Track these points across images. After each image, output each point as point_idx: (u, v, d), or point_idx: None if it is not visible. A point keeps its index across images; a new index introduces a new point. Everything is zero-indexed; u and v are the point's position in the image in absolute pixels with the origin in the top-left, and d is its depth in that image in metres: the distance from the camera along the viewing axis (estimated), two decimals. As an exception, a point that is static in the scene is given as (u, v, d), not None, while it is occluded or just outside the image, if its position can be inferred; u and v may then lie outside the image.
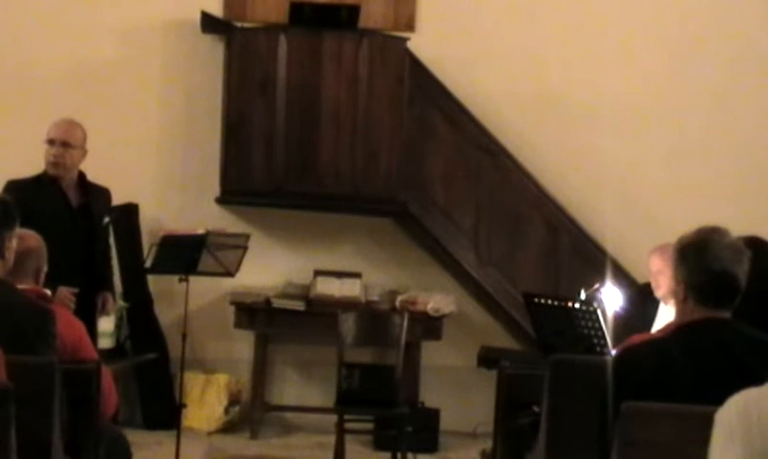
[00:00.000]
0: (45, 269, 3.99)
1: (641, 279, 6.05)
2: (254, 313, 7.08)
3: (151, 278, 7.01)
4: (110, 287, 5.48)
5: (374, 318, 6.53)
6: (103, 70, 7.35)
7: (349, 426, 6.08)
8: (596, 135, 7.47)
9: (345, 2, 7.14)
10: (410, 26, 7.42)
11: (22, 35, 7.32)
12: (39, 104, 6.84)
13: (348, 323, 6.19)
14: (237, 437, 7.07)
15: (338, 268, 7.24)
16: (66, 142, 5.28)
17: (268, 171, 6.99)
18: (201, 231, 5.68)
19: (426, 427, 6.75)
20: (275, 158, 6.97)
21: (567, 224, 7.30)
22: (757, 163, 7.48)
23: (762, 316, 3.05)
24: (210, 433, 7.06)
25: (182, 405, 5.87)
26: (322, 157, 6.99)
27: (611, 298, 5.51)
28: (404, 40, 7.12)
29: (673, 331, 3.02)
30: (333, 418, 6.15)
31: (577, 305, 5.04)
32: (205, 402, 7.14)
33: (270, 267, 7.22)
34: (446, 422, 7.03)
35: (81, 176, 5.40)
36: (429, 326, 7.07)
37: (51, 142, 5.28)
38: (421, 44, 7.24)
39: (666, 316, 5.24)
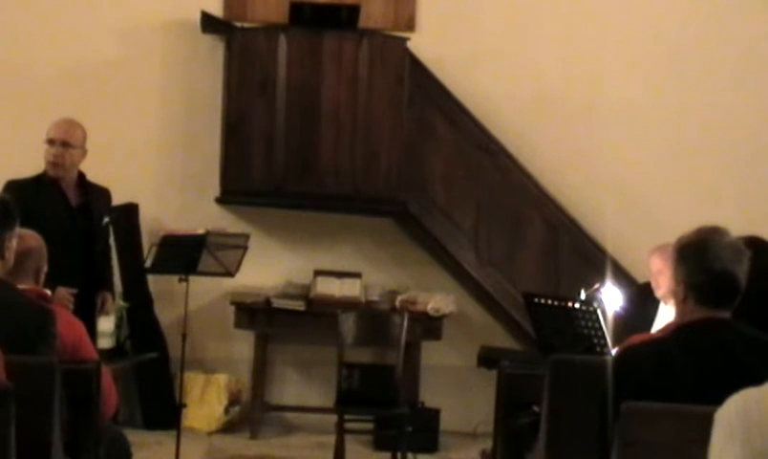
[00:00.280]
0: (45, 269, 3.99)
1: (641, 279, 6.05)
2: (254, 313, 7.08)
3: (151, 278, 7.01)
4: (109, 286, 5.48)
5: (374, 318, 6.53)
6: (103, 70, 7.35)
7: (349, 426, 6.08)
8: (596, 135, 7.47)
9: (345, 2, 7.14)
10: (410, 26, 7.42)
11: (22, 35, 7.32)
12: (39, 104, 6.84)
13: (348, 323, 6.19)
14: (237, 437, 7.07)
15: (338, 268, 7.25)
16: (66, 141, 5.28)
17: (268, 171, 6.99)
18: (201, 231, 5.68)
19: (426, 427, 6.75)
20: (275, 158, 6.97)
21: (567, 224, 7.30)
22: (757, 162, 7.47)
23: (762, 316, 3.05)
24: (210, 433, 7.07)
25: (182, 405, 5.87)
26: (322, 157, 6.99)
27: (611, 298, 5.51)
28: (404, 40, 7.12)
29: (673, 331, 3.02)
30: (333, 418, 6.15)
31: (577, 305, 5.04)
32: (205, 402, 7.14)
33: (270, 267, 7.22)
34: (446, 422, 7.03)
35: (81, 176, 5.40)
36: (429, 326, 7.07)
37: (51, 141, 5.28)
38: (421, 44, 7.24)
39: (666, 316, 5.24)
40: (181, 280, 5.65)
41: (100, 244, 5.44)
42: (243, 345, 7.35)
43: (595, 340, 4.94)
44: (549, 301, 5.22)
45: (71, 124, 5.37)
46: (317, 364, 7.34)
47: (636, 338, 3.56)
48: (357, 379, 6.02)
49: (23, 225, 3.77)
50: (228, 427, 7.17)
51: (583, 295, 5.35)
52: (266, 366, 7.27)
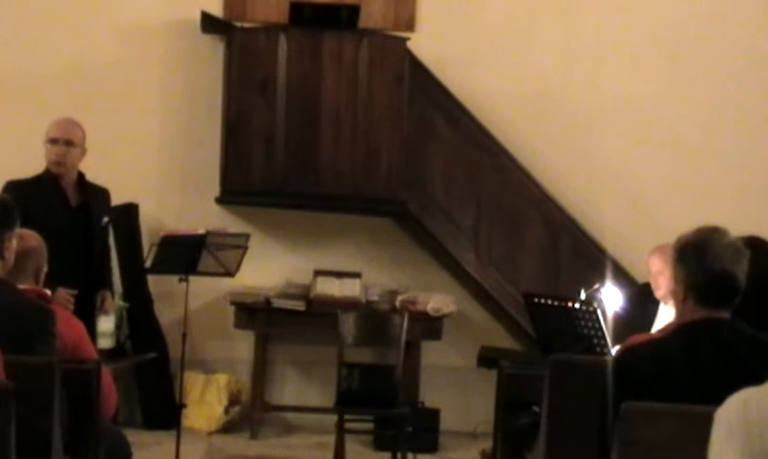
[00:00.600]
0: (45, 269, 3.99)
1: (641, 279, 6.05)
2: (254, 313, 7.08)
3: (151, 278, 7.01)
4: (109, 286, 5.48)
5: (374, 318, 6.53)
6: (103, 70, 7.35)
7: (349, 426, 6.08)
8: (596, 135, 7.47)
9: (345, 2, 7.14)
10: (410, 26, 7.42)
11: (22, 35, 7.32)
12: (39, 104, 6.84)
13: (348, 323, 6.19)
14: (237, 437, 7.07)
15: (338, 268, 7.24)
16: (69, 140, 5.30)
17: (268, 171, 6.99)
18: (201, 231, 5.68)
19: (426, 427, 6.75)
20: (275, 158, 6.97)
21: (567, 224, 7.30)
22: (757, 163, 7.48)
23: (762, 317, 3.05)
24: (210, 433, 7.07)
25: (182, 405, 5.87)
26: (322, 157, 6.99)
27: (611, 298, 5.51)
28: (404, 40, 7.12)
29: (673, 331, 3.02)
30: (333, 418, 6.15)
31: (577, 305, 5.04)
32: (205, 402, 7.14)
33: (270, 267, 7.22)
34: (446, 422, 7.03)
35: (80, 176, 5.40)
36: (429, 326, 7.07)
37: (53, 140, 5.28)
38: (421, 44, 7.24)
39: (666, 316, 5.24)
40: (181, 280, 5.65)
41: (99, 244, 5.44)
42: (243, 345, 7.34)
43: (595, 340, 4.94)
44: (549, 301, 5.22)
45: (72, 123, 5.38)
46: (317, 364, 7.34)
47: (636, 339, 3.56)
48: (357, 379, 6.02)
49: (23, 225, 3.78)
50: (228, 427, 7.17)
51: (583, 295, 5.35)
52: (266, 366, 7.27)
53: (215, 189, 7.13)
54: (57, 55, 7.33)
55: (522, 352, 6.68)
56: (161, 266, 5.68)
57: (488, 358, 5.85)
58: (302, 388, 7.49)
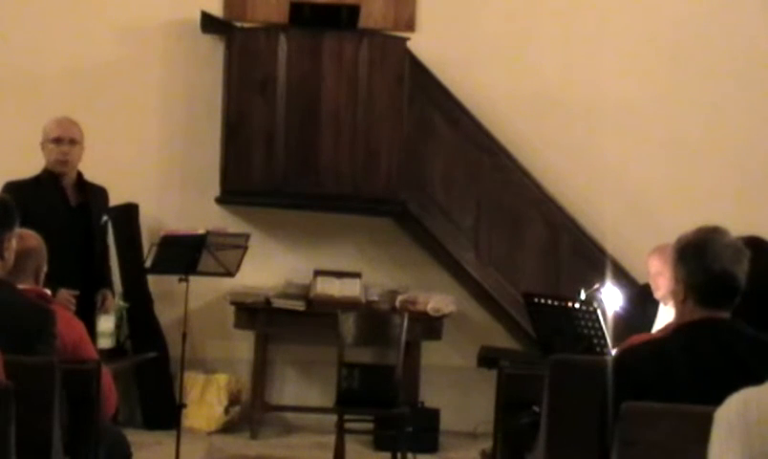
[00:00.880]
0: (45, 269, 3.99)
1: (641, 279, 6.05)
2: (254, 313, 7.08)
3: (151, 278, 7.00)
4: (109, 285, 5.48)
5: (374, 318, 6.53)
6: (103, 70, 7.35)
7: (349, 426, 6.08)
8: (596, 135, 7.47)
9: (345, 2, 7.14)
10: (410, 26, 7.42)
11: (22, 35, 7.33)
12: (39, 104, 6.84)
13: (348, 323, 6.19)
14: (237, 437, 7.07)
15: (338, 268, 7.24)
16: (73, 139, 5.31)
17: (268, 171, 6.99)
18: (201, 231, 5.67)
19: (426, 427, 6.75)
20: (275, 158, 6.97)
21: (567, 224, 7.30)
22: (756, 162, 7.48)
23: (762, 317, 3.05)
24: (210, 433, 7.06)
25: (182, 405, 5.87)
26: (322, 157, 6.99)
27: (611, 298, 5.51)
28: (404, 40, 7.12)
29: (673, 331, 3.02)
30: (333, 418, 6.15)
31: (577, 305, 5.04)
32: (205, 402, 7.14)
33: (270, 267, 7.22)
34: (446, 422, 7.03)
35: (79, 175, 5.40)
36: (429, 326, 7.07)
37: (57, 140, 5.28)
38: (421, 44, 7.24)
39: (666, 316, 5.24)
40: (181, 280, 5.65)
41: (99, 243, 5.45)
42: (243, 345, 7.34)
43: (595, 340, 4.95)
44: (549, 301, 5.22)
45: (72, 122, 5.40)
46: (317, 364, 7.34)
47: (636, 339, 3.56)
48: (357, 379, 6.02)
49: (23, 225, 3.78)
50: (228, 427, 7.17)
51: (583, 295, 5.35)
52: (266, 366, 7.27)
53: (215, 189, 7.13)
54: (57, 56, 7.33)
55: (522, 352, 6.68)
56: (161, 266, 5.68)
57: (488, 358, 5.85)
58: (302, 388, 7.49)
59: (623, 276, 6.68)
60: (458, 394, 7.28)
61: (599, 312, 4.99)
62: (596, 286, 5.61)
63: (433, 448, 6.85)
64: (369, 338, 6.42)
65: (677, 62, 7.51)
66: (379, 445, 6.74)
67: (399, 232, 7.51)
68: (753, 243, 3.12)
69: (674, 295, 3.04)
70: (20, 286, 3.73)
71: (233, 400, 7.23)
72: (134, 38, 7.41)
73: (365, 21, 7.19)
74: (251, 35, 7.13)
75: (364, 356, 6.98)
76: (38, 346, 3.49)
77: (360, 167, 7.01)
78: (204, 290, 6.72)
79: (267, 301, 7.05)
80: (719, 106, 7.49)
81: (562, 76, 7.49)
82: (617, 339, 4.85)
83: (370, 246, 7.47)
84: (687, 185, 7.44)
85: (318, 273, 7.18)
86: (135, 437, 5.35)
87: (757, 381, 2.17)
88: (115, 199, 6.03)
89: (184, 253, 5.60)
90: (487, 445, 6.17)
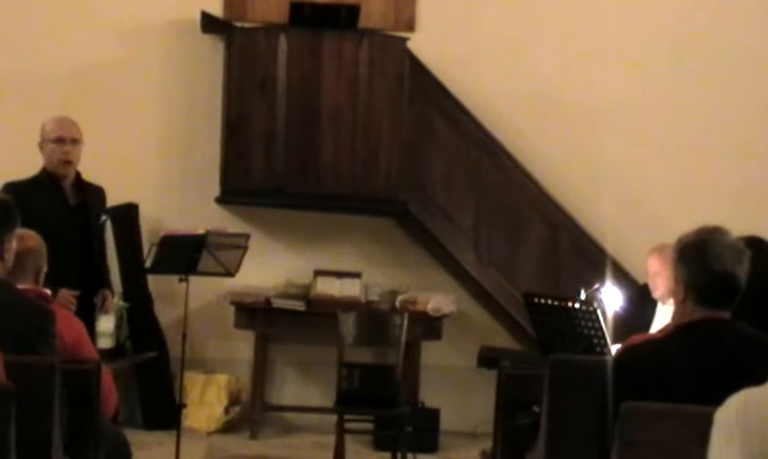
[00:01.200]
0: (45, 268, 4.00)
1: (641, 279, 6.05)
2: (254, 313, 7.08)
3: (151, 278, 7.00)
4: (108, 284, 5.48)
5: (374, 318, 6.53)
6: (103, 70, 7.35)
7: (349, 426, 6.08)
8: (596, 135, 7.47)
9: (345, 2, 7.14)
10: (410, 26, 7.42)
11: (22, 35, 7.33)
12: (39, 104, 6.84)
13: (348, 323, 6.19)
14: (237, 437, 7.07)
15: (338, 268, 7.24)
16: (75, 138, 5.32)
17: (268, 171, 6.99)
18: (201, 231, 5.67)
19: (426, 427, 6.75)
20: (275, 158, 6.97)
21: (567, 224, 7.30)
22: (756, 163, 7.47)
23: (762, 317, 3.05)
24: (210, 433, 7.06)
25: (182, 405, 5.87)
26: (322, 157, 6.99)
27: (611, 298, 5.51)
28: (404, 40, 7.12)
29: (673, 331, 3.02)
30: (333, 418, 6.15)
31: (577, 305, 5.04)
32: (205, 402, 7.14)
33: (270, 267, 7.22)
34: (446, 422, 7.03)
35: (78, 175, 5.40)
36: (429, 326, 7.06)
37: (60, 140, 5.28)
38: (421, 44, 7.24)
39: (664, 316, 5.25)
40: (181, 280, 5.65)
41: (98, 242, 5.45)
42: (243, 345, 7.34)
43: (595, 340, 4.95)
44: (549, 301, 5.22)
45: (72, 121, 5.40)
46: (317, 364, 7.34)
47: (636, 338, 3.56)
48: (357, 379, 6.02)
49: (23, 225, 3.77)
50: (228, 427, 7.17)
51: (583, 295, 5.35)
52: (266, 366, 7.26)
53: (215, 189, 7.13)
54: (57, 56, 7.32)
55: (522, 352, 6.67)
56: (161, 266, 5.68)
57: (488, 358, 5.85)
58: (302, 388, 7.49)
59: (623, 276, 6.68)
60: (458, 394, 7.28)
61: (599, 312, 4.99)
62: (596, 286, 5.61)
63: (433, 447, 6.85)
64: (369, 338, 6.42)
65: (677, 62, 7.51)
66: (379, 445, 6.74)
67: (399, 232, 7.51)
68: (753, 243, 3.12)
69: (675, 294, 3.05)
70: (20, 286, 3.74)
71: (233, 400, 7.23)
72: (134, 38, 7.41)
73: (365, 21, 7.19)
74: (251, 35, 7.13)
75: (364, 356, 6.98)
76: (38, 346, 3.50)
77: (360, 167, 7.00)
78: (204, 290, 6.72)
79: (267, 301, 7.04)
80: (719, 106, 7.49)
81: (562, 76, 7.49)
82: (617, 339, 4.85)
83: (370, 246, 7.47)
84: (687, 185, 7.44)
85: (318, 273, 7.18)
86: (135, 437, 5.35)
87: (757, 381, 2.17)
88: (115, 199, 6.04)
89: (184, 253, 5.60)
90: (487, 445, 6.17)
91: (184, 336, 5.80)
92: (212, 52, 7.33)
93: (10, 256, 3.62)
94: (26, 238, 3.86)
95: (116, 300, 5.47)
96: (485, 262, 7.25)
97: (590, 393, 3.07)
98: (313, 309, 6.98)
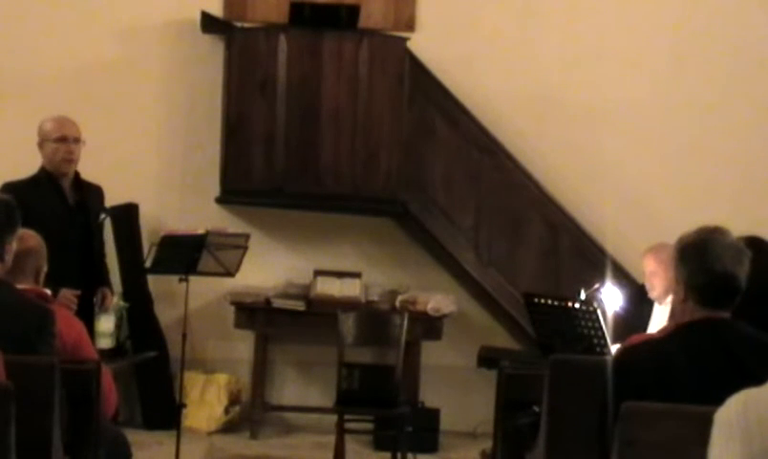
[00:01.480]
0: (45, 268, 4.00)
1: (641, 279, 6.03)
2: (254, 313, 7.08)
3: (151, 278, 7.01)
4: (108, 283, 5.48)
5: (374, 318, 6.53)
6: (103, 70, 7.35)
7: (349, 426, 6.08)
8: (596, 135, 7.47)
9: (345, 2, 7.14)
10: (410, 26, 7.42)
11: (22, 35, 7.33)
12: (39, 104, 6.82)
13: (348, 323, 6.19)
14: (237, 437, 7.07)
15: (338, 268, 7.24)
16: (77, 137, 5.33)
17: (268, 171, 6.99)
18: (201, 231, 5.68)
19: (426, 427, 6.75)
20: (275, 158, 6.97)
21: (567, 224, 7.30)
22: (756, 163, 7.47)
23: (762, 317, 3.05)
24: (210, 433, 7.06)
25: (182, 405, 5.87)
26: (322, 157, 6.99)
27: (611, 298, 5.52)
28: (404, 40, 7.12)
29: (673, 331, 3.02)
30: (333, 418, 6.15)
31: (577, 305, 5.04)
32: (205, 402, 7.14)
33: (270, 267, 7.22)
34: (446, 422, 7.03)
35: (76, 174, 5.40)
36: (429, 326, 7.06)
37: (62, 139, 5.28)
38: (421, 44, 7.24)
39: (660, 316, 5.26)
40: (181, 280, 5.65)
41: (98, 242, 5.45)
42: (243, 345, 7.34)
43: (595, 340, 4.95)
44: (549, 301, 5.22)
45: (72, 121, 5.41)
46: (317, 364, 7.34)
47: (636, 338, 3.56)
48: (357, 379, 6.02)
49: (22, 225, 3.77)
50: (228, 427, 7.17)
51: (583, 295, 5.35)
52: (266, 366, 7.26)
53: (215, 189, 7.13)
54: (57, 56, 7.32)
55: (522, 352, 6.67)
56: (161, 266, 5.68)
57: (488, 358, 5.85)
58: (302, 388, 7.49)
59: (623, 276, 6.67)
60: (458, 394, 7.28)
61: (599, 312, 5.00)
62: (596, 286, 5.61)
63: (433, 447, 6.85)
64: (369, 338, 6.42)
65: (678, 63, 7.51)
66: (379, 445, 6.74)
67: (399, 232, 7.51)
68: (753, 243, 3.12)
69: (675, 294, 3.05)
70: (20, 286, 3.74)
71: (233, 400, 7.23)
72: (134, 38, 7.41)
73: (365, 21, 7.19)
74: (251, 35, 7.13)
75: (364, 356, 6.98)
76: (38, 346, 3.50)
77: (360, 167, 7.00)
78: (204, 290, 6.72)
79: (267, 301, 7.04)
80: (720, 106, 7.49)
81: (562, 76, 7.48)
82: (617, 339, 4.85)
83: (370, 246, 7.47)
84: (687, 185, 7.43)
85: (318, 273, 7.18)
86: (135, 437, 5.35)
87: (757, 381, 2.17)
88: (115, 199, 6.04)
89: (184, 253, 5.60)
90: (487, 445, 6.17)
91: (184, 336, 5.80)
92: (212, 52, 7.33)
93: (10, 257, 3.62)
94: (26, 238, 3.85)
95: (115, 300, 5.47)
96: (485, 262, 7.25)
97: (590, 393, 3.07)
98: (313, 309, 6.98)
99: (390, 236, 7.50)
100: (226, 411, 7.17)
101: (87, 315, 4.87)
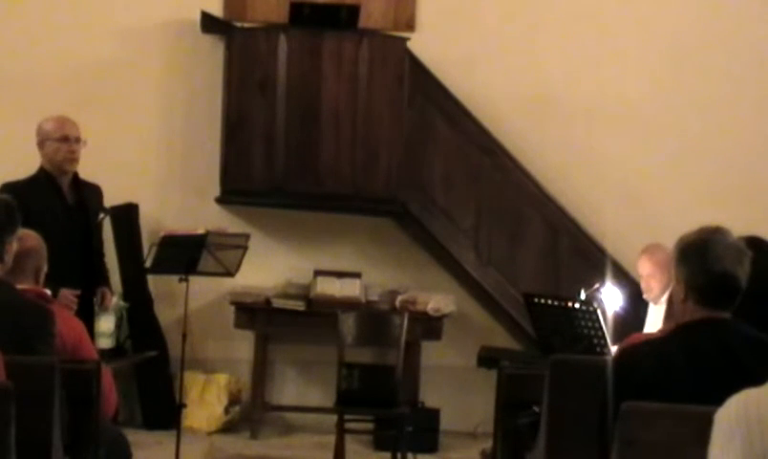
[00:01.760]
0: (45, 268, 3.99)
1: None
2: (254, 313, 7.08)
3: (151, 278, 7.01)
4: (107, 283, 5.48)
5: (374, 318, 6.53)
6: (103, 70, 7.35)
7: (349, 426, 6.08)
8: (596, 135, 7.47)
9: (345, 2, 7.14)
10: (410, 26, 7.42)
11: (22, 35, 7.32)
12: (39, 104, 6.82)
13: (348, 323, 6.19)
14: (237, 437, 7.07)
15: (338, 268, 7.24)
16: (78, 137, 5.33)
17: (268, 171, 6.99)
18: (201, 231, 5.68)
19: (426, 427, 6.75)
20: (275, 158, 6.98)
21: (567, 224, 7.30)
22: (757, 163, 7.47)
23: (762, 316, 3.05)
24: (210, 433, 7.06)
25: (182, 405, 5.87)
26: (322, 157, 6.99)
27: (611, 298, 5.52)
28: (404, 40, 7.12)
29: (673, 331, 3.02)
30: (333, 418, 6.15)
31: (577, 305, 5.05)
32: (205, 402, 7.14)
33: (270, 267, 7.22)
34: (446, 422, 7.03)
35: (75, 174, 5.40)
36: (429, 326, 7.06)
37: (65, 139, 5.28)
38: (421, 44, 7.24)
39: (655, 316, 5.27)
40: (181, 280, 5.65)
41: (97, 241, 5.45)
42: (243, 345, 7.34)
43: (595, 340, 4.95)
44: (549, 301, 5.22)
45: (72, 120, 5.40)
46: (317, 364, 7.34)
47: (634, 338, 3.56)
48: (357, 379, 6.02)
49: (22, 225, 3.77)
50: (228, 427, 7.17)
51: (583, 295, 5.36)
52: (266, 366, 7.26)
53: (215, 189, 7.13)
54: (57, 55, 7.32)
55: (522, 352, 6.68)
56: (161, 266, 5.68)
57: (488, 358, 5.85)
58: (302, 388, 7.49)
59: (623, 276, 6.67)
60: (458, 394, 7.28)
61: (599, 312, 5.00)
62: (596, 286, 5.62)
63: (433, 448, 6.85)
64: (369, 338, 6.42)
65: (678, 62, 7.51)
66: (379, 445, 6.74)
67: (399, 232, 7.51)
68: (753, 243, 3.12)
69: (675, 294, 3.05)
70: (20, 286, 3.73)
71: (233, 400, 7.23)
72: (134, 38, 7.41)
73: (365, 21, 7.19)
74: (251, 35, 7.13)
75: (364, 356, 6.98)
76: (38, 346, 3.50)
77: (360, 167, 7.00)
78: (204, 290, 6.72)
79: (267, 301, 7.04)
80: (720, 107, 7.49)
81: (562, 76, 7.49)
82: (617, 339, 4.85)
83: (370, 246, 7.47)
84: (687, 185, 7.44)
85: (318, 273, 7.18)
86: (135, 437, 5.35)
87: (756, 381, 2.17)
88: (115, 199, 6.04)
89: (184, 253, 5.60)
90: (487, 445, 6.17)
91: (184, 336, 5.80)
92: (212, 52, 7.33)
93: (9, 257, 3.62)
94: (26, 238, 3.85)
95: (115, 300, 5.46)
96: (485, 262, 7.25)
97: (590, 393, 3.07)
98: (313, 309, 6.98)
99: (390, 236, 7.50)
100: (226, 411, 7.17)
101: (87, 315, 4.87)
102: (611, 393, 2.89)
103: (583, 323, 4.98)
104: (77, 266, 5.17)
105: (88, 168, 5.46)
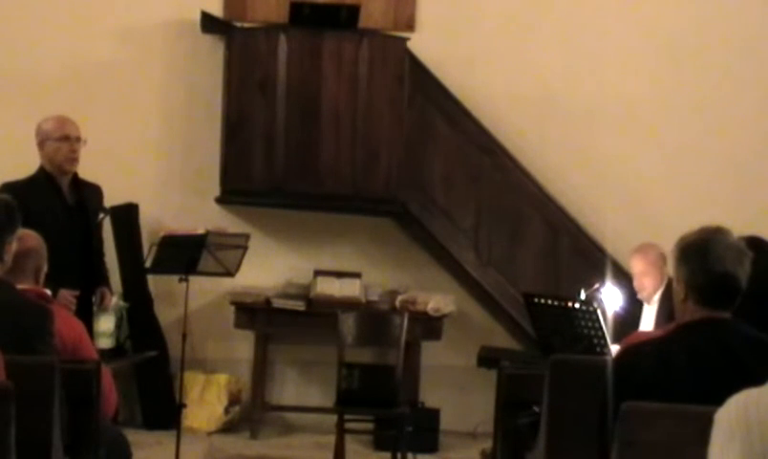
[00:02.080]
0: (45, 268, 3.99)
1: (641, 279, 6.05)
2: (254, 313, 7.08)
3: (151, 278, 7.01)
4: (107, 282, 5.47)
5: (374, 318, 6.53)
6: (103, 70, 7.35)
7: (349, 426, 6.08)
8: (596, 135, 7.47)
9: (345, 2, 7.14)
10: (410, 26, 7.42)
11: (22, 35, 7.33)
12: (39, 104, 6.82)
13: (348, 323, 6.19)
14: (237, 437, 7.07)
15: (338, 268, 7.24)
16: (79, 137, 5.33)
17: (268, 171, 6.99)
18: (201, 231, 5.68)
19: (426, 427, 6.75)
20: (275, 158, 6.98)
21: (568, 224, 7.30)
22: (756, 163, 7.48)
23: (762, 316, 3.05)
24: (210, 433, 7.06)
25: (182, 405, 5.87)
26: (322, 157, 6.99)
27: (611, 298, 5.52)
28: (404, 40, 7.12)
29: (674, 331, 3.02)
30: (333, 418, 6.15)
31: (577, 305, 5.05)
32: (205, 402, 7.14)
33: (270, 267, 7.22)
34: (446, 422, 7.03)
35: (75, 174, 5.40)
36: (429, 326, 7.06)
37: (66, 138, 5.27)
38: (421, 44, 7.24)
39: (648, 316, 5.28)
40: (181, 280, 5.65)
41: (97, 241, 5.45)
42: (243, 345, 7.34)
43: (595, 340, 4.95)
44: (549, 301, 5.23)
45: (72, 120, 5.39)
46: (317, 364, 7.34)
47: (633, 338, 3.56)
48: (357, 379, 6.02)
49: (22, 225, 3.77)
50: (228, 427, 7.17)
51: (583, 295, 5.36)
52: (266, 366, 7.26)
53: (215, 189, 7.13)
54: (57, 56, 7.32)
55: (522, 352, 6.68)
56: (161, 266, 5.68)
57: (488, 358, 5.86)
58: (302, 388, 7.49)
59: (623, 276, 6.67)
60: (458, 394, 7.28)
61: (599, 312, 5.00)
62: (596, 286, 5.62)
63: (433, 448, 6.85)
64: (369, 338, 6.42)
65: (678, 62, 7.51)
66: (379, 445, 6.74)
67: (399, 232, 7.51)
68: (753, 243, 3.13)
69: (675, 294, 3.05)
70: (20, 286, 3.73)
71: (233, 400, 7.23)
72: (134, 38, 7.41)
73: (365, 21, 7.19)
74: (251, 35, 7.13)
75: (364, 356, 6.98)
76: (37, 346, 3.49)
77: (360, 167, 7.00)
78: (204, 290, 6.72)
79: (267, 301, 7.04)
80: (720, 106, 7.49)
81: (562, 76, 7.49)
82: (617, 339, 4.86)
83: (370, 246, 7.47)
84: (687, 185, 7.44)
85: (318, 273, 7.18)
86: (135, 437, 5.35)
87: (757, 381, 2.17)
88: (115, 199, 6.04)
89: (184, 253, 5.60)
90: (487, 445, 6.17)
91: (184, 336, 5.80)
92: (212, 52, 7.33)
93: (9, 257, 3.62)
94: (26, 238, 3.85)
95: (115, 300, 5.46)
96: (485, 262, 7.25)
97: (590, 393, 3.07)
98: (313, 309, 6.98)
99: (390, 236, 7.50)
100: (226, 411, 7.17)
101: (87, 315, 4.87)
102: (611, 393, 2.89)
103: (583, 323, 4.98)
104: (77, 266, 5.17)
105: (88, 168, 5.46)
